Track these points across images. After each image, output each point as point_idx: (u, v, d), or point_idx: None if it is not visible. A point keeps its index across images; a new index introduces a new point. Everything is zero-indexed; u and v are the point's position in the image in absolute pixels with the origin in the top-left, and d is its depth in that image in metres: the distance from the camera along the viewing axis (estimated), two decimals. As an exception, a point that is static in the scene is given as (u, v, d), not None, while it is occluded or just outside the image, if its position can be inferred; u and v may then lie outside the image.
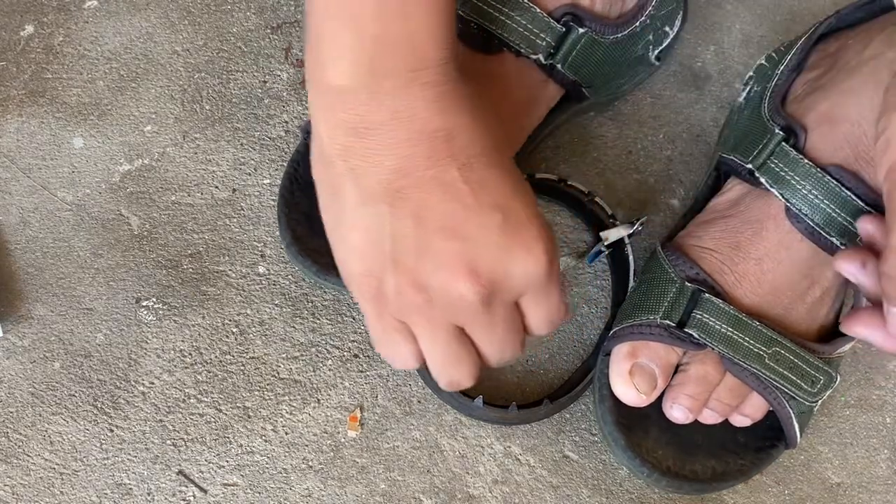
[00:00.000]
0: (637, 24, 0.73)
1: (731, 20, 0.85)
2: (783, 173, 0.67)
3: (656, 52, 0.77)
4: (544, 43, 0.69)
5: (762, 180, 0.68)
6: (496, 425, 0.72)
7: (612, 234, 0.75)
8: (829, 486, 0.72)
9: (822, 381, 0.67)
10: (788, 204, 0.67)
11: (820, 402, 0.68)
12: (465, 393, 0.71)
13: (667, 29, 0.77)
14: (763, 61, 0.78)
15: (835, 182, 0.65)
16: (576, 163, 0.80)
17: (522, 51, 0.70)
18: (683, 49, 0.84)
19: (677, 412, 0.68)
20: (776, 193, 0.67)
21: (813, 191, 0.66)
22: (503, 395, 0.73)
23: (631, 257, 0.75)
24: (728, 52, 0.84)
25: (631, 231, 0.75)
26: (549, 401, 0.71)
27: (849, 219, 0.65)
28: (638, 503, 0.71)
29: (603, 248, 0.76)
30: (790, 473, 0.72)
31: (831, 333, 0.70)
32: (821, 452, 0.73)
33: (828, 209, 0.66)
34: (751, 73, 0.79)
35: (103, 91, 0.81)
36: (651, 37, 0.75)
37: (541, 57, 0.70)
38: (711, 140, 0.81)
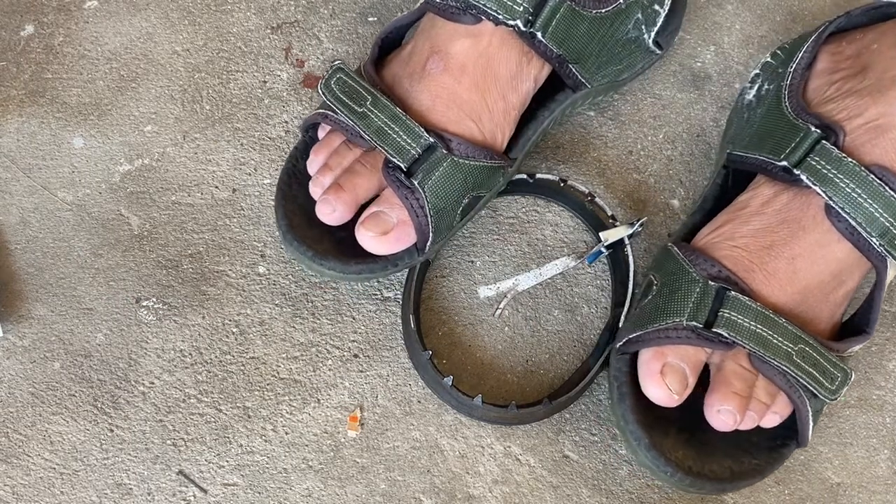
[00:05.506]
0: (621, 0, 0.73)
1: (731, 20, 0.85)
2: (826, 171, 0.67)
3: (652, 34, 0.77)
4: (521, 8, 0.70)
5: (803, 177, 0.67)
6: (496, 425, 0.72)
7: (612, 235, 0.75)
8: (829, 486, 0.72)
9: (839, 379, 0.67)
10: (830, 202, 0.67)
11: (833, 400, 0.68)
12: (464, 393, 0.71)
13: (657, 7, 0.76)
14: (769, 59, 0.78)
15: (879, 181, 0.66)
16: (576, 163, 0.80)
17: (500, 17, 0.70)
18: (683, 49, 0.84)
19: (726, 416, 0.65)
20: (818, 191, 0.67)
21: (857, 189, 0.66)
22: (503, 395, 0.73)
23: (631, 258, 0.75)
24: (728, 52, 0.84)
25: (631, 231, 0.75)
26: (549, 401, 0.71)
27: (891, 219, 0.66)
28: (638, 503, 0.71)
29: (603, 249, 0.76)
30: (790, 473, 0.72)
31: (841, 332, 0.70)
32: (821, 452, 0.73)
33: (871, 208, 0.66)
34: (757, 71, 0.79)
35: (103, 91, 0.81)
36: (640, 15, 0.75)
37: (519, 23, 0.70)
38: (711, 140, 0.81)
